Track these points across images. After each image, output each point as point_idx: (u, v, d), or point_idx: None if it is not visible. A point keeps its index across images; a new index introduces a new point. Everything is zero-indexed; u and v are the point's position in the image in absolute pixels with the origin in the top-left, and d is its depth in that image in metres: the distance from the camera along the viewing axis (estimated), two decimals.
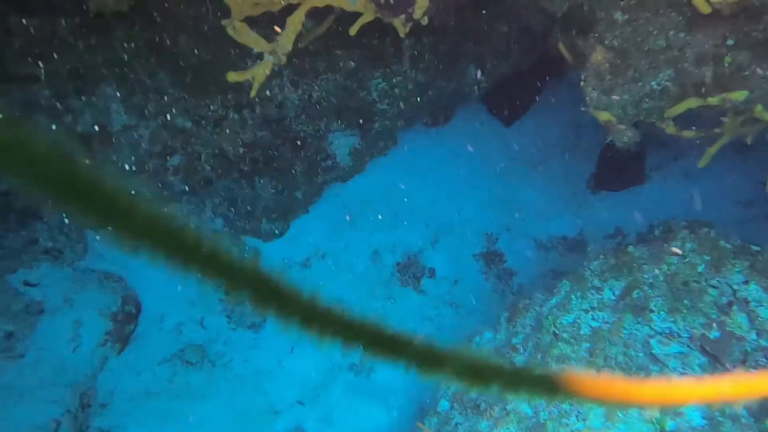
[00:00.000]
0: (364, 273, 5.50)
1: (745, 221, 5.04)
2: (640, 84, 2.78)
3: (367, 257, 5.59)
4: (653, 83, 2.75)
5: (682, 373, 2.80)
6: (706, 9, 2.24)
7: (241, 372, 4.59)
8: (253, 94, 3.08)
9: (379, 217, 5.71)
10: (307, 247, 5.52)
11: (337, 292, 5.30)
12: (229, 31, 2.91)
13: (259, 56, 3.05)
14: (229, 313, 4.89)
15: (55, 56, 3.44)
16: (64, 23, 3.35)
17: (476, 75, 5.26)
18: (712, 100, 2.65)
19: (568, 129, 6.04)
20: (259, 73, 3.00)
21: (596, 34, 2.83)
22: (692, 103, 2.72)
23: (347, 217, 5.60)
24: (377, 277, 5.48)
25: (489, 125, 6.09)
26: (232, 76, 2.94)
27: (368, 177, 5.73)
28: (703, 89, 2.68)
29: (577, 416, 2.74)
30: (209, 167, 4.36)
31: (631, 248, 3.43)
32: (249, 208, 5.13)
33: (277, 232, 5.41)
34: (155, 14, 3.39)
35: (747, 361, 2.78)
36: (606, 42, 2.79)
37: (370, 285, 5.41)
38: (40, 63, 3.44)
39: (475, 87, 5.49)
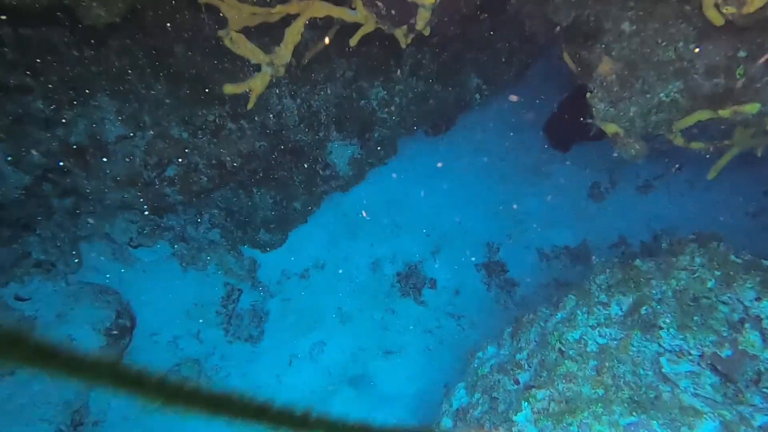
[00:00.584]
0: (364, 284, 5.41)
1: (752, 232, 4.96)
2: (648, 96, 2.71)
3: (367, 268, 5.50)
4: (662, 95, 2.68)
5: (693, 393, 2.71)
6: (718, 20, 2.17)
7: (239, 387, 4.49)
8: (250, 105, 3.01)
9: (379, 227, 5.63)
10: (306, 257, 5.43)
11: (336, 303, 5.21)
12: (226, 41, 2.84)
13: (257, 67, 2.98)
14: (227, 326, 4.80)
15: (49, 67, 3.37)
16: (57, 34, 3.27)
17: (477, 84, 5.19)
18: (724, 113, 2.57)
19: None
20: (257, 84, 2.93)
21: (603, 45, 2.76)
22: (702, 115, 2.65)
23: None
24: (377, 288, 5.40)
25: (490, 134, 6.03)
26: (229, 89, 2.87)
27: (368, 187, 5.65)
28: (714, 101, 2.61)
29: None
30: (206, 178, 4.28)
31: (638, 262, 3.35)
32: (247, 218, 5.05)
33: (275, 242, 5.33)
34: (151, 24, 3.32)
35: (761, 381, 2.70)
36: (613, 53, 2.72)
37: (370, 296, 5.32)
38: (33, 73, 3.36)
39: (477, 95, 5.42)
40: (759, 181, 5.04)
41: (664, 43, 2.51)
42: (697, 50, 2.45)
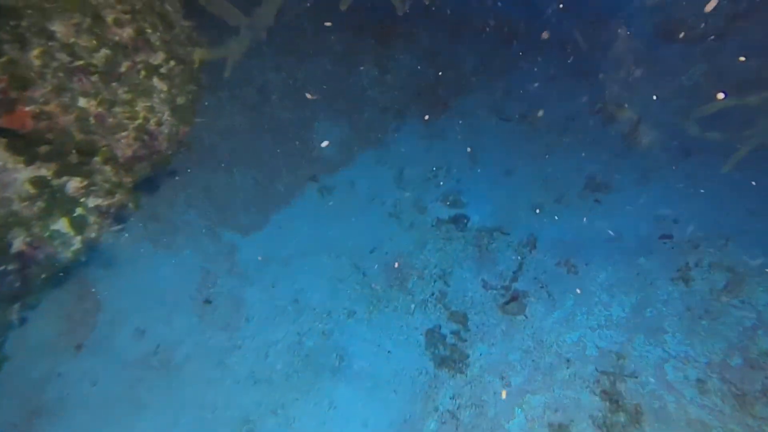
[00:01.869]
0: (349, 273, 5.15)
1: (752, 230, 4.78)
2: (668, 78, 2.45)
3: (354, 256, 5.24)
4: (683, 78, 2.42)
5: (700, 405, 2.51)
6: None
7: (211, 378, 4.22)
8: (227, 74, 2.70)
9: (368, 214, 5.36)
10: (288, 243, 5.15)
11: (319, 292, 4.95)
12: None
13: (235, 30, 2.66)
14: (201, 314, 4.51)
15: None
16: None
17: (475, 66, 4.91)
18: (752, 100, 2.33)
19: (571, 123, 5.73)
20: (234, 50, 2.62)
21: (621, 20, 2.49)
22: (726, 102, 2.41)
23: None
24: (362, 278, 5.14)
25: (487, 117, 5.75)
26: (201, 54, 2.55)
27: (357, 170, 5.36)
28: (741, 87, 2.36)
29: None
30: (179, 154, 3.95)
31: (642, 260, 3.13)
32: (226, 199, 4.74)
33: (256, 226, 5.03)
34: None
35: None
36: (631, 30, 2.45)
37: (354, 286, 5.07)
38: None
39: (473, 78, 5.14)
40: (755, 177, 4.85)
41: (693, 17, 2.24)
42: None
